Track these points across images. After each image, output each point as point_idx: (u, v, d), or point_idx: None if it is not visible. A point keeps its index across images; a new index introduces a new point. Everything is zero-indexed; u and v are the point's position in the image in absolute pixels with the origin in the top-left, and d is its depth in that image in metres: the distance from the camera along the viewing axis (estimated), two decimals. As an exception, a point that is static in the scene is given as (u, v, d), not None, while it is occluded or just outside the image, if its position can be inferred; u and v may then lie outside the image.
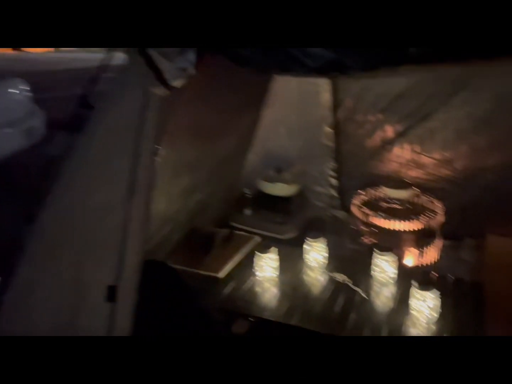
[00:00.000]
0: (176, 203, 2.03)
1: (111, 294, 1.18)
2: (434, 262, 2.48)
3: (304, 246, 1.97)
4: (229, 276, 1.94)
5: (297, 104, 2.70)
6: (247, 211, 2.66)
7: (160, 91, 1.26)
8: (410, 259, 2.47)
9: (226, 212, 2.63)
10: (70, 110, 1.50)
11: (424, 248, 2.43)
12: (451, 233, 2.65)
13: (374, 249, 1.84)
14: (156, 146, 1.25)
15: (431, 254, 2.47)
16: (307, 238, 1.95)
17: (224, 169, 2.44)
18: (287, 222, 2.66)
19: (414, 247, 2.45)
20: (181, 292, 1.64)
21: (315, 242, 1.94)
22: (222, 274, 1.93)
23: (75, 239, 1.30)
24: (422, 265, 2.43)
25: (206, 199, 2.27)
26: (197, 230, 2.25)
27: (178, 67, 1.23)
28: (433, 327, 1.58)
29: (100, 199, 1.26)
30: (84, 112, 1.41)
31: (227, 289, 1.83)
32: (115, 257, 1.20)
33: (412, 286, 1.60)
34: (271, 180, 2.73)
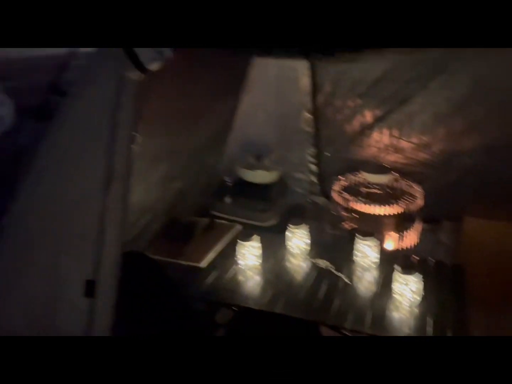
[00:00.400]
0: (155, 192, 1.97)
1: (90, 289, 1.13)
2: (414, 245, 2.52)
3: (287, 233, 1.96)
4: (211, 265, 1.91)
5: (276, 90, 2.66)
6: (227, 199, 2.63)
7: (135, 75, 1.20)
8: (391, 243, 2.49)
9: (206, 201, 2.58)
10: (40, 98, 1.42)
11: (404, 232, 2.45)
12: (430, 216, 2.69)
13: (356, 234, 1.83)
14: (132, 133, 1.19)
15: (411, 238, 2.49)
16: (289, 224, 1.94)
17: (203, 156, 2.39)
18: (268, 209, 2.63)
19: (394, 231, 2.47)
20: (162, 284, 1.60)
21: (297, 228, 1.92)
22: (203, 263, 1.90)
23: (50, 232, 1.25)
24: (402, 248, 2.46)
25: (185, 188, 2.22)
26: (177, 220, 2.21)
27: (154, 49, 1.17)
28: (416, 310, 1.59)
29: (75, 189, 1.20)
30: (55, 99, 1.34)
31: (209, 279, 1.80)
32: (93, 250, 1.15)
33: (395, 270, 1.61)
34: (251, 167, 2.69)
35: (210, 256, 1.95)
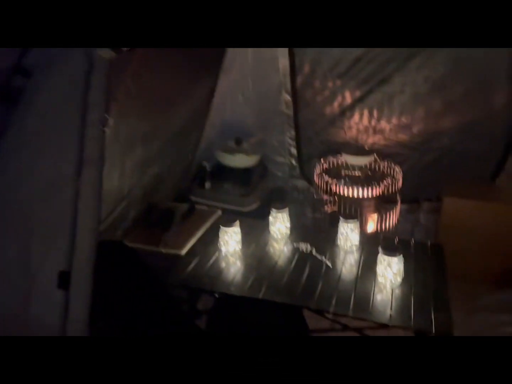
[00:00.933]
0: (131, 178, 1.90)
1: (63, 280, 1.08)
2: (394, 226, 2.53)
3: (270, 217, 1.92)
4: (192, 252, 1.86)
5: (254, 71, 2.60)
6: (207, 184, 2.57)
7: (106, 53, 1.12)
8: (372, 225, 2.49)
9: (185, 186, 2.53)
10: (2, 80, 1.33)
11: (385, 214, 2.46)
12: (409, 197, 2.71)
13: (340, 217, 1.82)
14: (104, 115, 1.12)
15: (392, 219, 2.50)
16: (272, 209, 1.90)
17: (181, 140, 2.32)
18: (248, 194, 2.60)
19: (375, 213, 2.48)
20: (141, 273, 1.55)
21: (280, 213, 1.89)
22: (184, 251, 1.85)
23: (20, 221, 1.17)
24: (383, 230, 2.47)
25: (163, 173, 2.15)
26: (155, 206, 2.14)
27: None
28: (398, 291, 1.59)
29: (44, 175, 1.13)
30: (19, 80, 1.25)
31: (190, 266, 1.76)
32: (66, 240, 1.09)
33: (379, 252, 1.59)
34: (230, 151, 2.64)
35: (191, 243, 1.90)
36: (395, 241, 1.92)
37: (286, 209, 1.90)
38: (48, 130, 1.16)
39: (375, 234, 2.45)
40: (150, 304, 1.53)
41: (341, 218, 1.83)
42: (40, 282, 1.13)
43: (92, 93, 1.11)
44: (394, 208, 2.50)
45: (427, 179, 2.75)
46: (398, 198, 2.51)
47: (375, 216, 2.48)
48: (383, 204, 2.47)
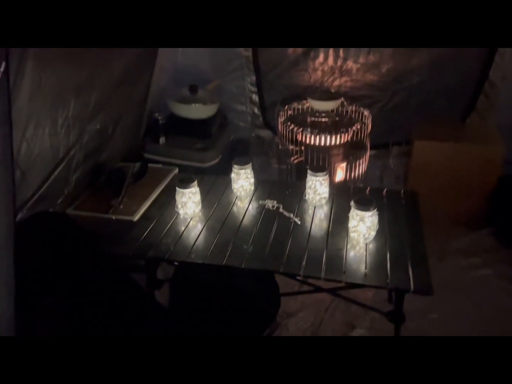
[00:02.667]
0: (66, 137, 1.64)
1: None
2: (363, 173, 2.41)
3: (232, 175, 1.74)
4: (146, 217, 1.67)
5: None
6: (161, 139, 2.34)
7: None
8: (341, 174, 2.36)
9: (135, 143, 2.28)
10: None
11: (354, 161, 2.32)
12: (378, 142, 2.59)
13: (308, 170, 1.65)
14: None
15: (361, 166, 2.38)
16: (234, 165, 1.71)
17: (125, 90, 2.03)
18: (208, 147, 2.39)
19: (344, 161, 2.34)
20: (85, 245, 1.36)
21: (243, 169, 1.71)
22: (137, 216, 1.66)
23: None
24: (352, 178, 2.34)
25: (107, 129, 1.90)
26: (102, 168, 1.92)
27: None
28: (372, 247, 1.48)
29: None
30: None
31: (145, 233, 1.58)
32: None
33: (351, 207, 1.46)
34: (185, 101, 2.39)
35: (144, 206, 1.71)
36: (367, 192, 1.79)
37: (249, 165, 1.72)
38: None
39: (345, 184, 2.32)
40: (99, 279, 1.36)
41: (309, 171, 1.67)
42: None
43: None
44: (364, 154, 2.37)
45: (396, 122, 2.63)
46: (367, 143, 2.37)
47: (343, 164, 2.34)
48: (352, 151, 2.33)
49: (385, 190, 1.80)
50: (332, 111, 2.36)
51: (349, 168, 2.32)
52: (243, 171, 1.72)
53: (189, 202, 1.63)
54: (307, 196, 1.71)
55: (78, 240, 1.36)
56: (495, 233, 2.34)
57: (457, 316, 1.86)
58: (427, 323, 1.82)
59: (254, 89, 2.64)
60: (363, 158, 2.35)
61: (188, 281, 1.69)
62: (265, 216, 1.66)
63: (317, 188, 1.67)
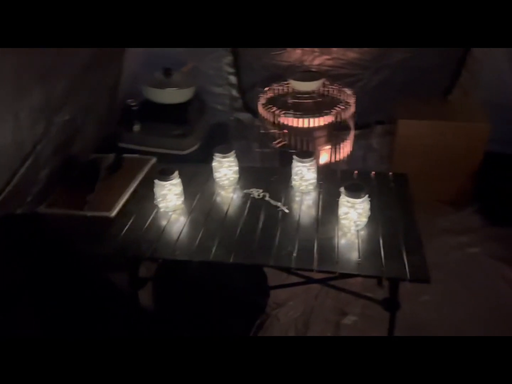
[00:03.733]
0: (31, 130, 1.50)
1: None
2: (349, 154, 2.35)
3: (213, 163, 1.64)
4: (124, 213, 1.57)
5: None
6: (135, 127, 2.21)
7: None
8: (325, 156, 2.29)
9: (108, 132, 2.14)
10: None
11: (338, 143, 2.25)
12: (361, 121, 2.52)
13: (293, 156, 1.57)
14: None
15: (346, 148, 2.31)
16: (215, 154, 1.62)
17: (95, 76, 1.89)
18: (186, 133, 2.28)
19: (328, 143, 2.26)
20: (56, 249, 1.25)
21: (225, 157, 1.61)
22: (114, 212, 1.56)
23: None
24: (337, 160, 2.28)
25: (76, 119, 1.76)
26: (74, 160, 1.79)
27: None
28: (364, 234, 1.42)
29: None
30: None
31: (124, 230, 1.48)
32: None
33: (341, 193, 1.39)
34: (160, 85, 2.27)
35: (121, 201, 1.60)
36: (354, 175, 1.73)
37: (232, 153, 1.62)
38: None
39: (329, 167, 2.26)
40: (73, 283, 1.26)
41: (294, 156, 1.59)
42: None
43: None
44: (348, 135, 2.30)
45: (379, 100, 2.56)
46: (351, 124, 2.29)
47: (328, 146, 2.27)
48: (336, 132, 2.25)
49: (373, 173, 1.74)
50: (314, 92, 2.27)
51: (334, 150, 2.25)
52: (226, 159, 1.62)
53: (170, 195, 1.54)
54: (293, 182, 1.64)
55: (48, 243, 1.25)
56: (481, 211, 2.33)
57: (449, 298, 1.85)
58: (420, 306, 1.79)
59: (231, 70, 2.52)
60: (347, 139, 2.29)
61: (172, 276, 1.60)
62: (251, 206, 1.58)
63: (304, 175, 1.60)
